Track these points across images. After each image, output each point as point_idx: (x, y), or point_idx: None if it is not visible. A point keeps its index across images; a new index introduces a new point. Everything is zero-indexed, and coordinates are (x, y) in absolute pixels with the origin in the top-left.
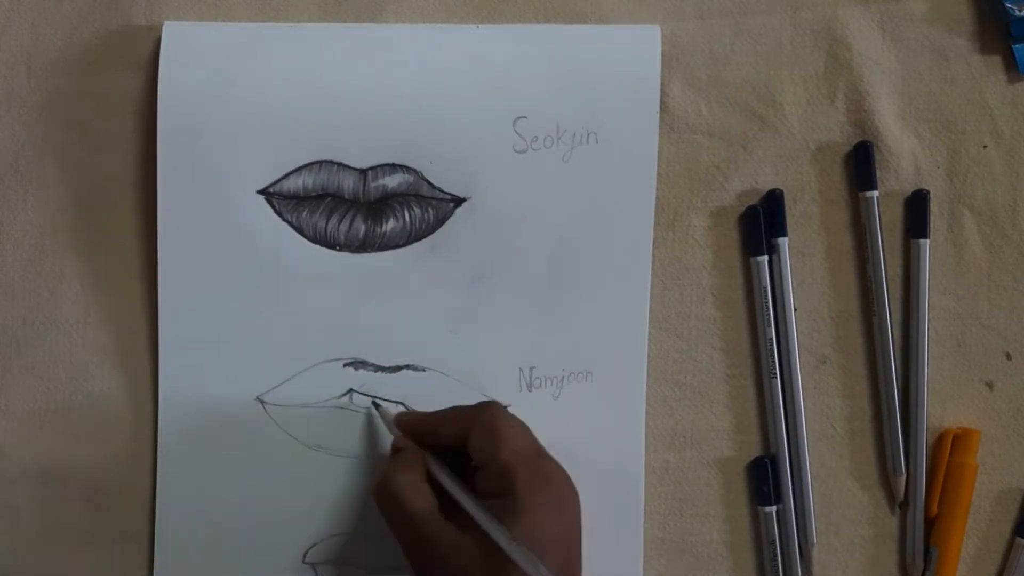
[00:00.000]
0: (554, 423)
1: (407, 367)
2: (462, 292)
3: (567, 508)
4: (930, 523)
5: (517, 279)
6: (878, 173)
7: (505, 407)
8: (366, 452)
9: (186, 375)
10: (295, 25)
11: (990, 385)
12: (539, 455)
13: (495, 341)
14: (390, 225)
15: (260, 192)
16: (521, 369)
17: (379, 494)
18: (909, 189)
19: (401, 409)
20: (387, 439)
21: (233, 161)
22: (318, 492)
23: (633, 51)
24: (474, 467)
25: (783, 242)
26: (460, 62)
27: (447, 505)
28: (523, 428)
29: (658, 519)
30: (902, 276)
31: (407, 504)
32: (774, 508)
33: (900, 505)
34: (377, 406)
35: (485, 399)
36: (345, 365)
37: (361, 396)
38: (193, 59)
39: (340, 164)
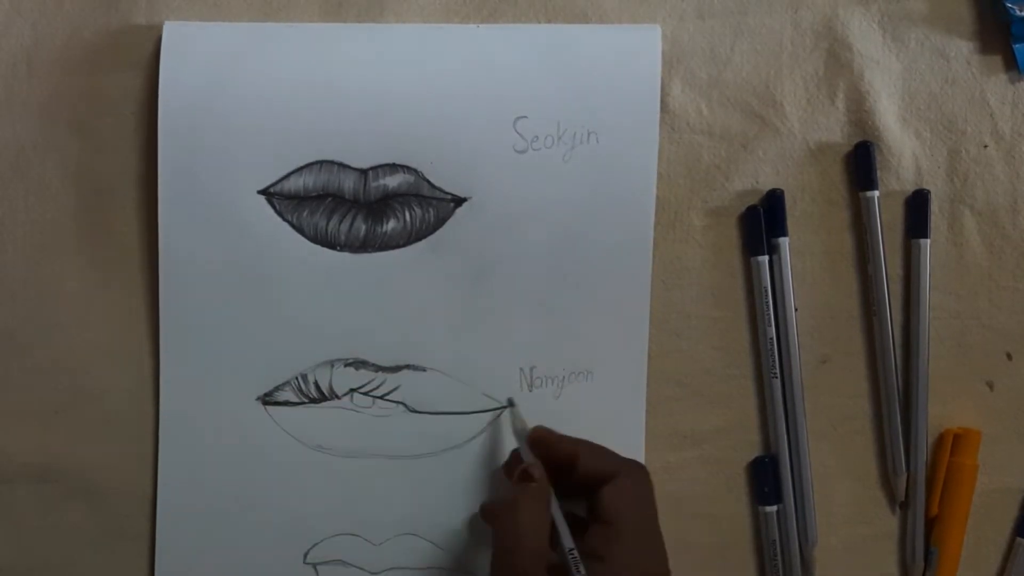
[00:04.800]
0: (555, 423)
1: (407, 367)
2: (462, 292)
3: None
4: (930, 523)
5: (518, 279)
6: (878, 173)
7: (647, 471)
8: (366, 451)
9: (186, 375)
10: (295, 25)
11: (991, 385)
12: (652, 532)
13: (496, 341)
14: (390, 225)
15: (261, 192)
16: (522, 369)
17: (500, 521)
18: (909, 189)
19: (537, 424)
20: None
21: (233, 161)
22: (318, 492)
23: (633, 51)
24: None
25: (783, 242)
26: (460, 62)
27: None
28: (650, 497)
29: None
30: (902, 276)
31: (523, 544)
32: (774, 508)
33: (900, 505)
34: (511, 404)
35: (488, 400)
36: (346, 365)
37: (361, 396)
38: (193, 59)
39: (340, 164)
